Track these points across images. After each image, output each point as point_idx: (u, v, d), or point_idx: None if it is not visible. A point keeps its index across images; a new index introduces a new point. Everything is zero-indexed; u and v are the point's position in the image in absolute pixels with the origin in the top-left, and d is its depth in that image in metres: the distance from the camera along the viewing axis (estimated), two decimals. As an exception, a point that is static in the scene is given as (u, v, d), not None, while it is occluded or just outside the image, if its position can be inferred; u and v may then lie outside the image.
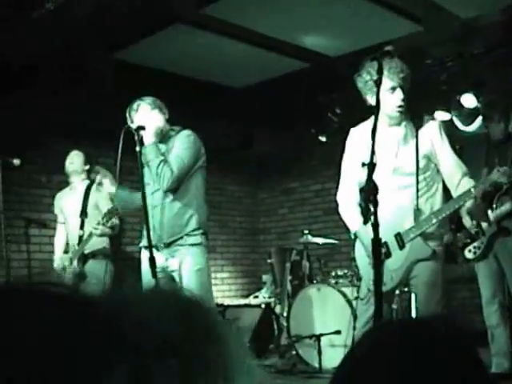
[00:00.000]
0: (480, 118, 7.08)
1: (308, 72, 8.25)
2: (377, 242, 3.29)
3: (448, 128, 7.72)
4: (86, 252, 6.66)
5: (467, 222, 5.94)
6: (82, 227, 6.76)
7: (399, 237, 4.34)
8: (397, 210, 4.28)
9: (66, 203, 7.02)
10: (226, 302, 9.45)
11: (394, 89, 4.33)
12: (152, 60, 7.74)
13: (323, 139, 8.95)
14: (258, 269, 10.40)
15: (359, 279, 4.68)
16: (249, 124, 8.82)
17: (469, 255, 6.05)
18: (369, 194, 3.27)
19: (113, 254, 6.93)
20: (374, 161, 3.33)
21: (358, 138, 4.57)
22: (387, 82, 4.22)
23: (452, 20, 6.91)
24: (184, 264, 5.09)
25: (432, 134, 4.47)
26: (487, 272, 6.03)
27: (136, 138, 5.00)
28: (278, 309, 8.36)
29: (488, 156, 6.07)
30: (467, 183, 4.44)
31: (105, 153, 8.11)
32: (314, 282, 7.64)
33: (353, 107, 8.47)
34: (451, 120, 7.85)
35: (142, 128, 5.06)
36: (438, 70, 7.61)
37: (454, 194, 4.47)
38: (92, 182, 7.04)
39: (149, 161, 5.08)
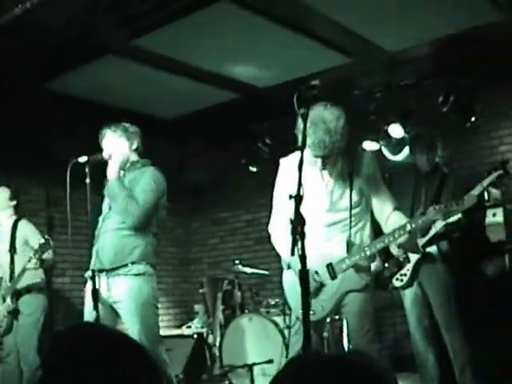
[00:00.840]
0: (407, 148, 7.22)
1: (239, 102, 8.34)
2: (304, 273, 3.32)
3: (377, 157, 7.92)
4: (20, 287, 6.63)
5: (394, 250, 6.02)
6: (12, 263, 6.71)
7: (331, 267, 4.36)
8: (329, 241, 4.33)
9: None
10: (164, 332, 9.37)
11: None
12: (85, 90, 7.73)
13: (254, 169, 9.00)
14: (190, 298, 10.34)
15: (289, 309, 4.69)
16: (181, 154, 8.85)
17: (396, 283, 6.14)
18: (296, 225, 3.30)
19: (46, 288, 6.93)
20: (301, 193, 3.36)
21: (288, 169, 4.61)
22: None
23: (380, 52, 7.07)
24: (126, 296, 5.01)
25: (364, 167, 4.53)
26: (413, 298, 6.12)
27: (86, 170, 5.02)
28: (210, 339, 8.33)
29: (416, 186, 6.18)
30: (398, 217, 4.50)
31: (36, 183, 8.07)
32: (246, 311, 7.64)
33: (283, 137, 8.61)
34: (380, 149, 7.97)
35: (89, 162, 5.05)
36: (367, 101, 7.75)
37: (384, 226, 4.52)
38: (20, 217, 6.99)
39: (113, 195, 5.09)
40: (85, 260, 8.28)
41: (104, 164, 5.18)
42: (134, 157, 5.35)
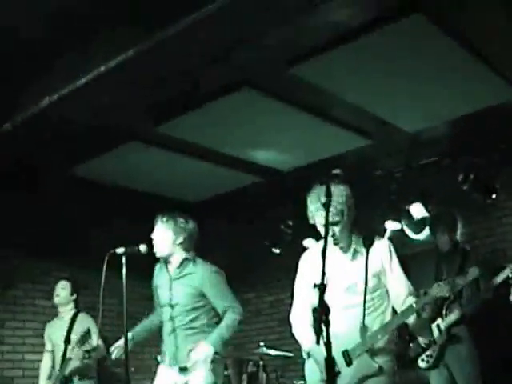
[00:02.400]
0: (428, 227, 7.26)
1: (261, 186, 8.45)
2: (330, 360, 3.34)
3: (399, 237, 7.95)
4: (67, 373, 6.93)
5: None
6: (64, 353, 6.99)
7: (346, 354, 4.35)
8: (346, 327, 4.30)
9: (55, 332, 7.33)
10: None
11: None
12: (108, 176, 7.88)
13: (277, 251, 9.05)
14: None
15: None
16: (205, 237, 8.90)
17: (422, 364, 6.14)
18: (321, 314, 3.33)
19: (98, 375, 7.27)
20: (325, 282, 3.40)
21: (309, 260, 4.69)
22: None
23: (398, 133, 7.16)
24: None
25: (382, 252, 4.58)
26: (439, 380, 6.10)
27: (123, 261, 5.24)
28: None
29: (437, 266, 6.21)
30: (411, 301, 4.53)
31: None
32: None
33: (305, 219, 8.67)
34: (401, 229, 8.00)
35: (126, 252, 5.24)
36: (387, 181, 7.81)
37: (399, 312, 4.54)
38: (79, 310, 7.34)
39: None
40: (107, 343, 8.38)
41: (140, 256, 5.29)
42: (179, 251, 5.54)
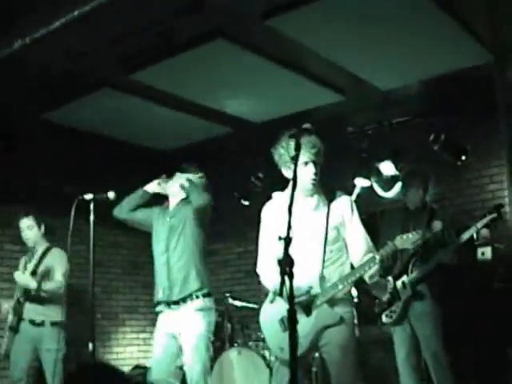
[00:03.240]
0: (399, 185, 7.29)
1: (232, 136, 8.42)
2: (292, 312, 3.37)
3: (368, 194, 8.00)
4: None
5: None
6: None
7: (306, 303, 4.38)
8: (305, 277, 4.30)
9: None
10: (148, 363, 9.39)
11: (306, 163, 4.47)
12: (81, 122, 7.82)
13: (246, 203, 9.06)
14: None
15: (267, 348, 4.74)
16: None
17: (385, 319, 6.21)
18: (285, 267, 3.36)
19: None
20: (290, 235, 3.43)
21: (273, 210, 4.69)
22: (300, 157, 4.34)
23: (372, 91, 7.17)
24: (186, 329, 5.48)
25: (343, 208, 4.60)
26: (402, 336, 6.17)
27: (91, 207, 5.28)
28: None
29: (404, 223, 6.24)
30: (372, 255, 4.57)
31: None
32: (235, 344, 7.65)
33: (275, 172, 8.68)
34: (371, 186, 8.04)
35: (95, 199, 5.30)
36: (359, 138, 7.83)
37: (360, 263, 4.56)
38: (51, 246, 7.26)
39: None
40: (75, 289, 8.40)
41: (108, 203, 5.40)
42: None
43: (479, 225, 6.03)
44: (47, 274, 6.91)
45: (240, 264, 9.98)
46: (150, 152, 8.76)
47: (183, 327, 5.49)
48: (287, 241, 3.42)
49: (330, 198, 4.60)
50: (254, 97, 7.48)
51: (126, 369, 8.89)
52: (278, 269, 3.41)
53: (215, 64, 6.48)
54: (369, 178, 8.04)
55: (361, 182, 8.08)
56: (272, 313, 4.58)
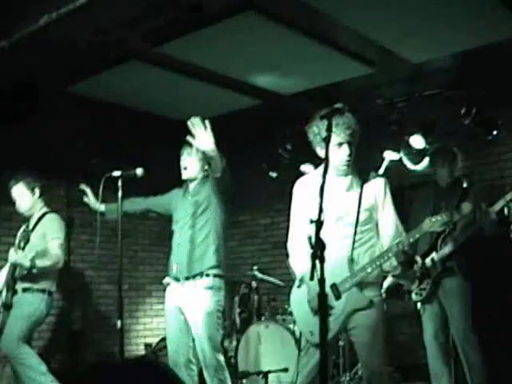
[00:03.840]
0: (427, 159, 7.21)
1: (261, 109, 8.38)
2: (323, 296, 3.34)
3: (397, 167, 7.92)
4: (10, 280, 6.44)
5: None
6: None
7: (335, 287, 4.35)
8: (335, 259, 4.21)
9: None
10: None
11: (340, 144, 4.40)
12: (108, 94, 7.82)
13: (274, 175, 9.01)
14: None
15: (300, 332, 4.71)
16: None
17: (415, 297, 6.16)
18: (316, 250, 3.32)
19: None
20: (322, 218, 3.39)
21: (305, 188, 4.64)
22: (334, 138, 4.27)
23: (403, 63, 7.07)
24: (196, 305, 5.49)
25: (377, 190, 4.54)
26: (430, 313, 6.14)
27: (119, 184, 5.33)
28: (226, 342, 8.35)
29: (435, 201, 6.19)
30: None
31: (56, 184, 8.14)
32: (262, 318, 7.64)
33: (303, 144, 8.62)
34: (400, 160, 7.97)
35: (122, 176, 5.33)
36: (389, 111, 7.73)
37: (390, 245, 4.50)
38: (48, 211, 6.71)
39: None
40: (102, 260, 8.42)
41: (136, 179, 5.37)
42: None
43: (508, 196, 5.91)
44: (41, 247, 6.38)
45: (267, 236, 9.96)
46: (176, 124, 8.71)
47: (191, 303, 5.50)
48: (318, 224, 3.38)
49: (363, 179, 4.55)
50: (284, 69, 7.39)
51: (154, 340, 8.93)
52: (307, 251, 3.39)
53: (245, 36, 6.42)
54: (398, 151, 7.96)
55: (390, 155, 8.00)
56: (302, 295, 4.55)
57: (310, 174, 4.75)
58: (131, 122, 8.20)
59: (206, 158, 5.59)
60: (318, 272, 3.32)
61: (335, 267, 4.29)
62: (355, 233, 4.42)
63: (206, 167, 5.75)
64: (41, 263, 6.28)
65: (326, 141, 3.73)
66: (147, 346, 8.75)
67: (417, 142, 7.67)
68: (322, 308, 3.38)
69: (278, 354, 7.12)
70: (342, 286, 4.37)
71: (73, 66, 6.75)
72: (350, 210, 4.45)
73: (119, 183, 5.24)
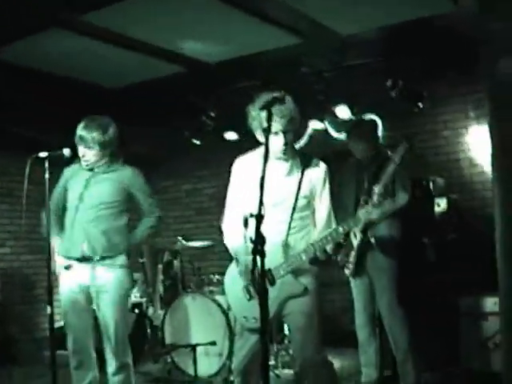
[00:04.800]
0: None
1: (184, 76, 8.22)
2: (263, 290, 3.33)
3: (322, 135, 7.96)
4: None
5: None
6: None
7: (270, 273, 4.32)
8: (269, 245, 4.17)
9: None
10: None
11: (276, 133, 4.35)
12: (31, 61, 7.55)
13: (197, 142, 8.94)
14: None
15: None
16: (124, 124, 8.82)
17: (346, 271, 6.20)
18: (256, 244, 3.30)
19: None
20: (262, 212, 3.36)
21: (243, 169, 4.58)
22: (273, 126, 4.24)
23: (331, 35, 7.04)
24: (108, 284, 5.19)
25: (317, 178, 4.51)
26: (359, 286, 6.22)
27: (46, 165, 5.03)
28: (150, 311, 8.33)
29: (358, 176, 6.19)
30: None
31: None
32: (189, 290, 7.60)
33: (226, 112, 8.57)
34: (325, 129, 8.00)
35: (49, 157, 5.03)
36: (316, 81, 7.72)
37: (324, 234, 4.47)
38: None
39: None
40: (23, 230, 8.24)
41: (64, 159, 5.15)
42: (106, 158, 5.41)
43: (397, 159, 5.86)
44: None
45: (189, 202, 9.93)
46: (98, 90, 8.55)
47: (96, 282, 5.20)
48: (259, 218, 3.35)
49: (304, 164, 4.51)
50: (210, 38, 7.26)
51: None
52: (242, 232, 3.55)
53: (170, 4, 6.27)
54: (322, 121, 7.99)
55: (314, 124, 8.04)
56: (236, 279, 4.54)
57: (249, 154, 4.66)
58: (56, 89, 7.99)
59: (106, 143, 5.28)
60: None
61: (270, 253, 4.21)
62: (292, 219, 4.41)
63: (110, 150, 5.37)
64: None
65: (266, 131, 3.68)
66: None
67: (342, 112, 7.70)
68: (262, 300, 3.36)
69: (205, 326, 7.11)
70: (276, 272, 4.36)
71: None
72: (288, 195, 4.42)
73: (46, 164, 5.03)
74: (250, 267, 3.40)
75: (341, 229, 4.42)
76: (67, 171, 5.51)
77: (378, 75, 7.42)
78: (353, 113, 7.60)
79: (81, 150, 5.28)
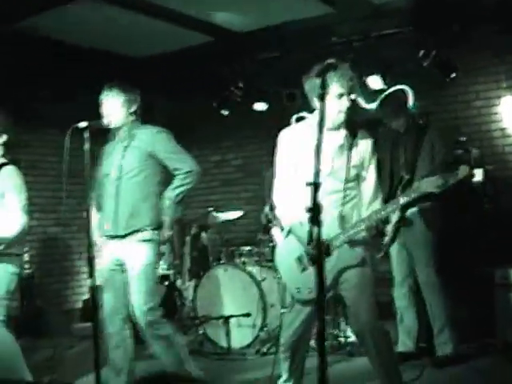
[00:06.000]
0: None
1: (212, 46, 8.18)
2: (320, 260, 3.28)
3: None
4: None
5: None
6: None
7: (326, 243, 4.27)
8: (325, 215, 4.19)
9: None
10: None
11: (341, 95, 4.31)
12: (55, 32, 7.53)
13: (225, 113, 8.87)
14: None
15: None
16: (151, 94, 8.80)
17: (383, 244, 6.18)
18: (313, 214, 3.25)
19: None
20: (318, 180, 3.30)
21: (290, 141, 4.54)
22: (336, 89, 4.23)
23: (363, 4, 6.97)
24: (133, 259, 5.12)
25: (365, 150, 4.48)
26: (398, 258, 6.20)
27: (86, 135, 4.78)
28: (178, 283, 8.30)
29: (393, 145, 6.14)
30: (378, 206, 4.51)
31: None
32: (221, 262, 7.57)
33: (255, 82, 8.51)
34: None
35: (89, 127, 4.81)
36: (346, 50, 7.64)
37: (364, 211, 4.48)
38: (6, 162, 5.37)
39: None
40: (50, 202, 8.21)
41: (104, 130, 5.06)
42: (130, 120, 5.27)
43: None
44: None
45: (216, 173, 9.88)
46: (127, 59, 8.52)
47: (128, 257, 5.17)
48: (315, 187, 3.30)
49: (353, 135, 4.47)
50: (239, 6, 7.22)
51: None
52: (296, 206, 3.42)
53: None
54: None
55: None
56: (289, 250, 4.52)
57: (295, 126, 4.64)
58: (82, 60, 7.93)
59: (130, 101, 5.22)
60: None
61: (325, 223, 4.21)
62: (344, 189, 4.39)
63: (132, 110, 5.26)
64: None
65: (321, 98, 3.62)
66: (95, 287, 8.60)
67: (374, 82, 7.62)
68: (320, 273, 3.31)
69: (238, 297, 7.09)
70: (332, 243, 4.33)
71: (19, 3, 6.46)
72: (340, 165, 4.39)
73: (86, 135, 4.94)
74: (306, 237, 3.35)
75: (401, 200, 4.41)
76: (103, 149, 5.46)
77: (410, 45, 7.33)
78: (385, 83, 7.51)
79: (105, 107, 5.22)
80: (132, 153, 5.20)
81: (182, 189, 5.20)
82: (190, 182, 5.21)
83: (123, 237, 5.13)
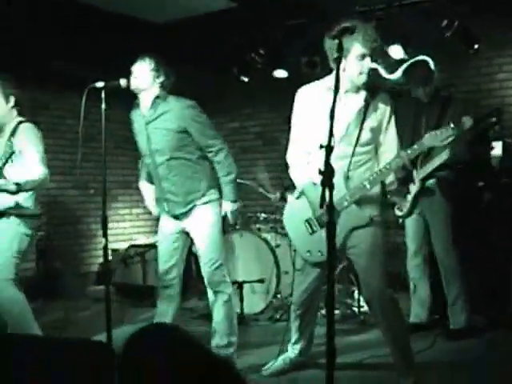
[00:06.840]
0: (401, 70, 7.16)
1: (233, 12, 8.10)
2: (331, 224, 3.26)
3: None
4: None
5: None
6: None
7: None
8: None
9: None
10: (142, 239, 9.39)
11: (363, 56, 4.28)
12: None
13: (245, 79, 8.82)
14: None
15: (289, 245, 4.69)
16: (170, 60, 8.74)
17: (397, 212, 6.18)
18: (326, 177, 3.23)
19: None
20: (332, 143, 3.28)
21: (307, 101, 4.51)
22: (358, 49, 4.22)
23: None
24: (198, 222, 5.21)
25: (383, 111, 4.45)
26: (414, 228, 6.19)
27: (103, 95, 4.77)
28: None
29: (415, 115, 6.11)
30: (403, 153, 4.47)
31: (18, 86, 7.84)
32: (237, 227, 7.57)
33: (276, 49, 8.45)
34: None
35: (106, 87, 4.79)
36: (367, 19, 7.55)
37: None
38: (22, 121, 5.38)
39: None
40: (68, 165, 8.22)
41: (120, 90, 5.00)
42: (156, 88, 5.20)
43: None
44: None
45: (235, 140, 9.84)
46: (146, 24, 8.46)
47: (192, 222, 5.23)
48: (328, 150, 3.28)
49: (371, 97, 4.43)
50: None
51: (121, 246, 8.85)
52: (310, 167, 3.41)
53: None
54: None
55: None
56: (298, 212, 4.54)
57: (313, 85, 4.58)
58: (107, 25, 7.90)
59: (159, 71, 5.18)
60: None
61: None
62: (354, 152, 4.36)
63: (160, 80, 5.20)
64: (26, 185, 5.09)
65: (337, 62, 3.58)
66: (114, 251, 8.65)
67: (396, 51, 7.56)
68: (329, 236, 3.29)
69: (252, 263, 7.12)
70: (339, 204, 4.32)
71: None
72: (354, 128, 4.37)
73: (102, 95, 4.92)
74: (317, 199, 3.32)
75: (404, 153, 4.41)
76: (131, 117, 5.42)
77: (433, 15, 7.24)
78: (406, 53, 7.44)
79: (134, 71, 5.18)
80: (168, 134, 5.13)
81: (230, 172, 5.35)
82: (230, 162, 5.40)
83: (185, 213, 5.20)
